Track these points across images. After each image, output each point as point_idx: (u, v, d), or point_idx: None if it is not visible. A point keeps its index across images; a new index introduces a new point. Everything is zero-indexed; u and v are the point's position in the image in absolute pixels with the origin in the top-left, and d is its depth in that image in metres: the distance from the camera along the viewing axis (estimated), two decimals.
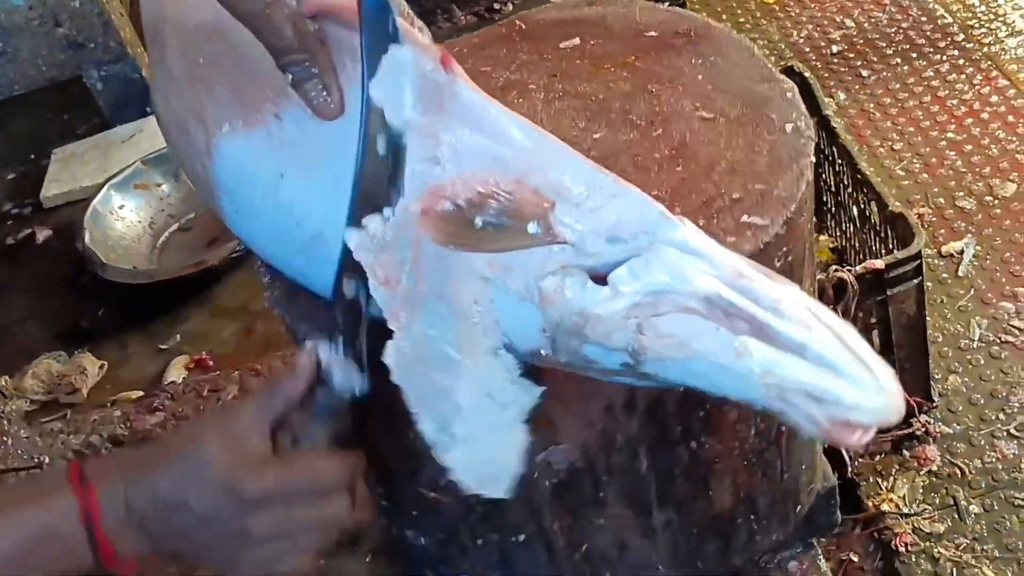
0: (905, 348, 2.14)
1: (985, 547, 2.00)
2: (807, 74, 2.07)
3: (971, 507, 2.07)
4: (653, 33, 1.31)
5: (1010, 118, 2.74)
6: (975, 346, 2.33)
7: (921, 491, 2.12)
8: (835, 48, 3.07)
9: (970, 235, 2.52)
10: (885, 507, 2.12)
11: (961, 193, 2.61)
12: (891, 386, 0.83)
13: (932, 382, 2.22)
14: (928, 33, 3.02)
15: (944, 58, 2.94)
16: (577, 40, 1.33)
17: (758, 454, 1.19)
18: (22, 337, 2.75)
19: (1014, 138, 2.69)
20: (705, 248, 0.88)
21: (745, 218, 1.05)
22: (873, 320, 2.01)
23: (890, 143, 2.77)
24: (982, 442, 2.16)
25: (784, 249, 1.05)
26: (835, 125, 2.19)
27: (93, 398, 2.49)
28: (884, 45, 3.02)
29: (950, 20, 3.04)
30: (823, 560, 1.60)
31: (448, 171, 0.93)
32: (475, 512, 1.17)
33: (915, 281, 2.03)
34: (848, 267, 1.85)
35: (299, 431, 1.00)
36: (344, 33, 1.00)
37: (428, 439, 0.98)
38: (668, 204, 0.91)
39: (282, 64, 0.98)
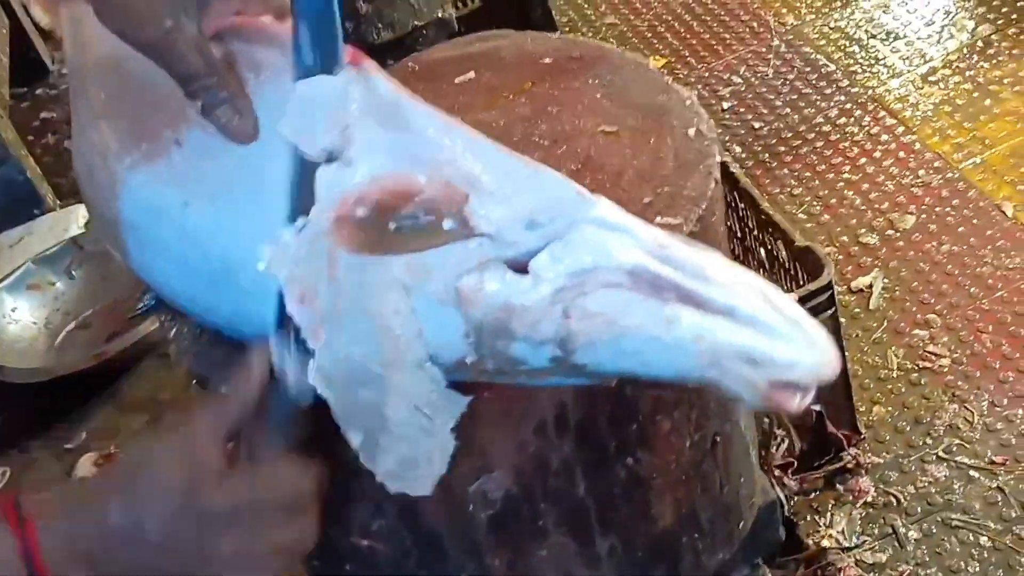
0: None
1: (928, 571, 1.99)
2: None
3: (910, 533, 2.06)
4: (547, 60, 1.31)
5: (901, 154, 2.81)
6: (895, 375, 2.35)
7: (859, 523, 2.12)
8: (725, 104, 3.13)
9: (877, 269, 2.56)
10: (825, 543, 2.11)
11: (863, 230, 2.65)
12: (823, 342, 0.81)
13: (857, 414, 2.23)
14: (814, 82, 3.10)
15: (832, 104, 3.01)
16: (472, 74, 1.32)
17: (695, 467, 1.16)
18: None
19: (907, 173, 2.75)
20: (625, 222, 0.86)
21: (658, 219, 1.04)
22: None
23: (788, 189, 2.82)
24: (913, 468, 2.17)
25: None
26: (734, 170, 2.21)
27: None
28: (772, 97, 3.09)
29: (833, 67, 3.12)
30: None
31: (360, 172, 0.90)
32: (411, 557, 1.12)
33: (829, 312, 2.04)
34: None
35: (256, 442, 0.93)
36: (248, 48, 0.97)
37: (354, 447, 0.93)
38: None
39: (190, 92, 0.93)
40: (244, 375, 0.93)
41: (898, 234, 2.62)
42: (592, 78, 1.25)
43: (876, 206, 2.70)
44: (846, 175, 2.80)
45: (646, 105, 1.20)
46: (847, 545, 2.09)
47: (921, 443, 2.21)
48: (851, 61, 3.13)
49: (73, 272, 2.71)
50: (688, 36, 3.43)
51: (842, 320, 2.10)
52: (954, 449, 2.17)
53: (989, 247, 2.52)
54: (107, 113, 1.06)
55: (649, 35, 3.52)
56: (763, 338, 0.79)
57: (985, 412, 2.22)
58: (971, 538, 2.02)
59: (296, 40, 0.90)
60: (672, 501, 1.16)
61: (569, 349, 0.85)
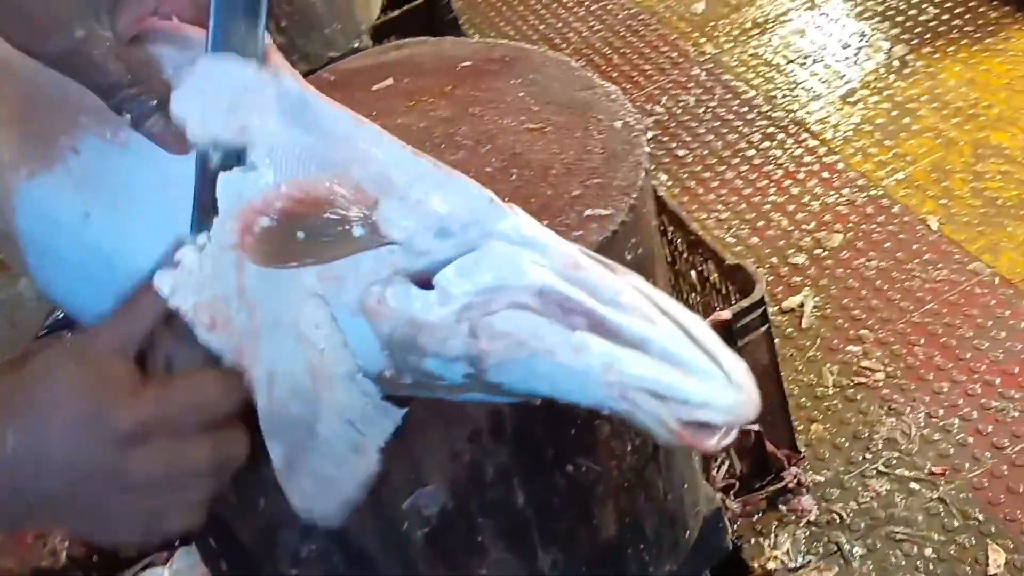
0: (764, 401, 2.12)
1: None
2: None
3: (855, 550, 2.05)
4: (467, 63, 1.28)
5: (825, 175, 2.82)
6: (830, 392, 2.34)
7: (804, 543, 2.10)
8: (649, 134, 3.13)
9: (807, 288, 2.56)
10: (771, 565, 2.09)
11: (792, 250, 2.65)
12: (744, 380, 0.75)
13: (795, 433, 2.21)
14: (735, 108, 3.11)
15: (754, 128, 3.02)
16: (390, 80, 1.28)
17: (637, 473, 1.12)
18: None
19: (832, 192, 2.76)
20: (539, 237, 0.81)
21: (588, 211, 1.00)
22: None
23: (716, 214, 2.82)
24: (854, 484, 2.15)
25: (633, 240, 1.00)
26: (661, 194, 2.20)
27: None
28: (696, 125, 3.09)
29: (753, 93, 3.14)
30: None
31: (264, 178, 0.84)
32: None
33: (763, 329, 2.03)
34: None
35: (173, 354, 0.85)
36: (169, 50, 0.90)
37: (274, 461, 0.87)
38: None
39: (114, 104, 0.84)
40: (152, 288, 0.85)
41: (826, 253, 2.62)
42: (514, 78, 1.22)
43: (803, 226, 2.70)
44: (772, 198, 2.81)
45: (570, 101, 1.17)
46: (793, 566, 2.07)
47: (860, 458, 2.19)
48: (771, 86, 3.15)
49: None
50: (608, 68, 3.43)
51: (775, 340, 2.09)
52: (893, 462, 2.16)
53: (916, 261, 2.53)
54: (1, 122, 0.99)
55: None
56: (676, 374, 0.73)
57: (922, 424, 2.21)
58: (915, 551, 2.00)
59: (215, 10, 0.84)
60: (615, 509, 1.11)
61: (481, 369, 0.80)
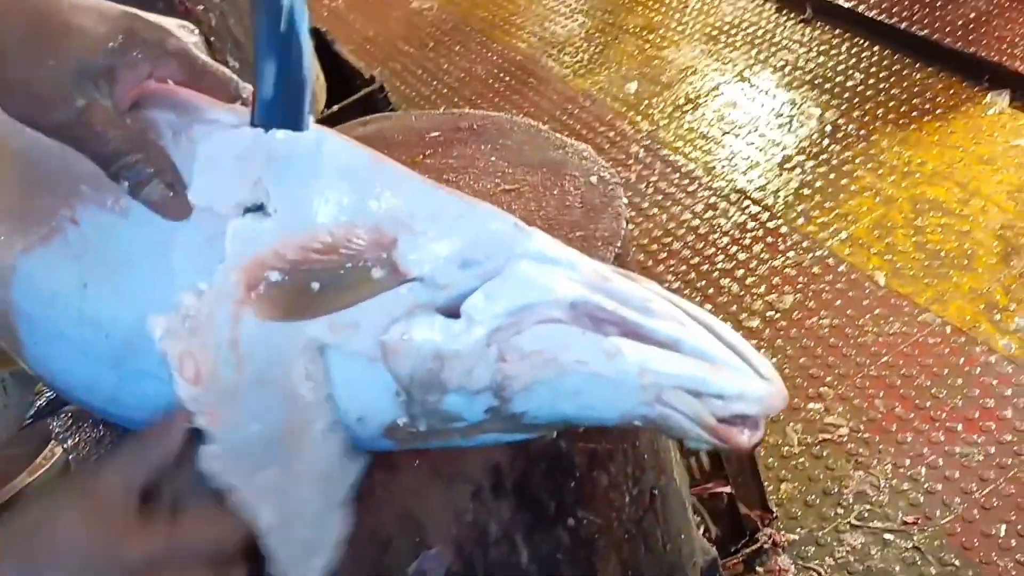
0: (734, 461, 2.13)
1: None
2: None
3: None
4: (436, 133, 1.29)
5: (770, 239, 2.87)
6: (796, 451, 2.35)
7: None
8: None
9: (763, 350, 2.57)
10: None
11: (745, 315, 2.68)
12: (772, 373, 0.78)
13: (766, 494, 2.22)
14: (676, 181, 3.16)
15: (697, 199, 3.07)
16: None
17: (637, 524, 1.11)
18: None
19: (779, 255, 2.81)
20: (565, 255, 0.82)
21: None
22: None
23: (666, 284, 2.84)
24: (829, 540, 2.16)
25: None
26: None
27: None
28: (639, 200, 3.13)
29: (693, 166, 3.20)
30: None
31: (273, 227, 0.84)
32: None
33: None
34: None
35: (178, 492, 0.85)
36: (166, 114, 0.90)
37: (261, 532, 0.86)
38: None
39: (113, 172, 0.85)
40: (164, 425, 0.86)
41: (779, 314, 2.65)
42: (484, 144, 1.24)
43: (753, 291, 2.74)
44: (720, 265, 2.85)
45: (543, 161, 1.18)
46: None
47: (832, 514, 2.20)
48: (709, 157, 3.21)
49: None
50: None
51: None
52: (866, 515, 2.17)
53: (868, 316, 2.57)
54: None
55: None
56: (710, 369, 0.76)
57: (890, 475, 2.23)
58: None
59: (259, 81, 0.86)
60: (618, 562, 1.10)
61: (506, 396, 0.80)
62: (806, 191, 2.98)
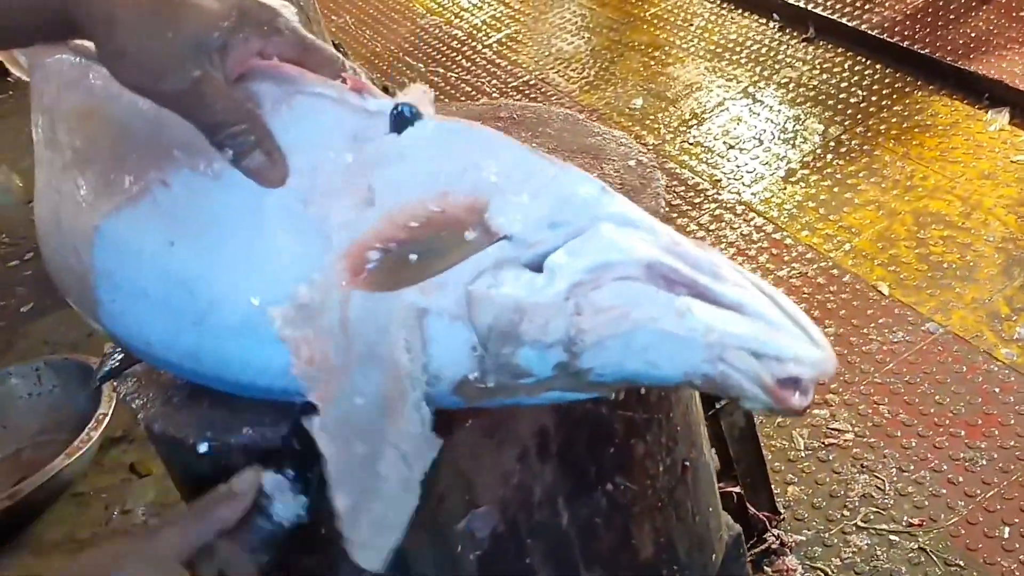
0: (743, 462, 2.17)
1: None
2: None
3: None
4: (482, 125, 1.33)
5: (774, 250, 2.91)
6: (803, 455, 2.39)
7: None
8: None
9: None
10: None
11: None
12: (824, 341, 0.82)
13: (774, 496, 2.25)
14: (682, 193, 3.21)
15: (702, 211, 3.12)
16: None
17: (669, 493, 1.15)
18: None
19: (783, 266, 2.86)
20: (643, 218, 0.87)
21: None
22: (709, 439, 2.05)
23: None
24: (835, 541, 2.20)
25: None
26: None
27: None
28: None
29: (699, 179, 3.25)
30: None
31: (374, 212, 0.88)
32: None
33: None
34: None
35: (227, 562, 0.89)
36: (269, 86, 0.94)
37: (339, 510, 0.90)
38: None
39: (217, 140, 0.89)
40: (230, 494, 0.91)
41: None
42: (524, 131, 1.27)
43: None
44: None
45: (582, 146, 1.22)
46: None
47: (839, 516, 2.24)
48: (714, 171, 3.26)
49: None
50: None
51: None
52: (871, 517, 2.21)
53: (872, 325, 2.62)
54: (81, 161, 1.02)
55: None
56: (770, 332, 0.80)
57: (895, 478, 2.27)
58: None
59: None
60: (651, 530, 1.13)
61: (576, 351, 0.83)
62: (810, 204, 3.03)
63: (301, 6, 2.99)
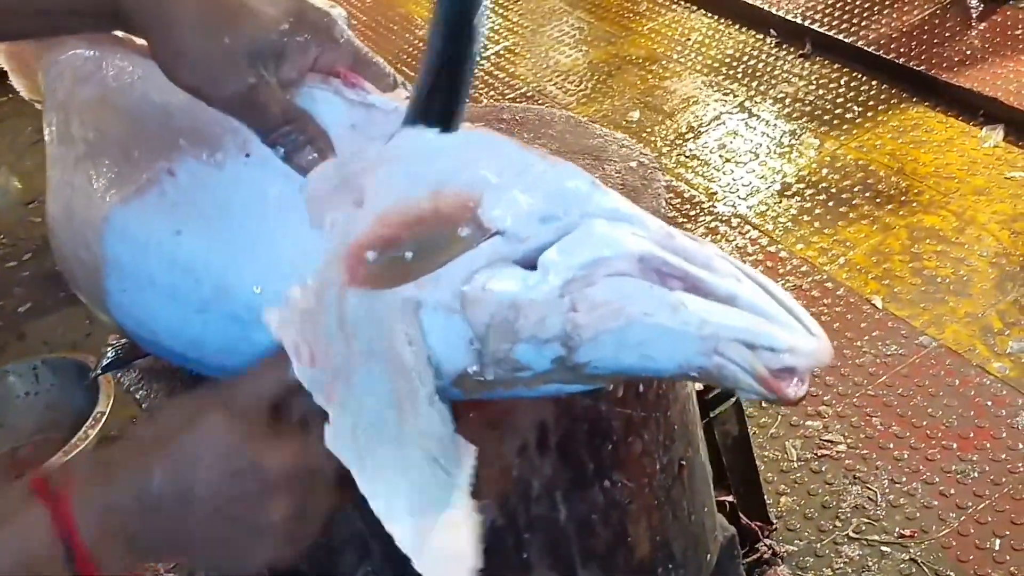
0: (736, 471, 2.18)
1: None
2: None
3: None
4: (479, 124, 1.34)
5: (769, 263, 2.93)
6: (796, 466, 2.40)
7: None
8: None
9: None
10: None
11: None
12: (819, 331, 0.83)
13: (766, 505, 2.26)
14: (678, 205, 3.23)
15: (698, 224, 3.14)
16: None
17: (666, 491, 1.16)
18: None
19: (778, 279, 2.86)
20: (636, 213, 0.88)
21: None
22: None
23: None
24: (827, 552, 2.21)
25: None
26: None
27: None
28: None
29: (694, 192, 3.26)
30: None
31: (367, 214, 0.89)
32: None
33: (733, 400, 2.08)
34: None
35: (306, 412, 0.87)
36: (315, 92, 0.95)
37: (383, 520, 0.87)
38: None
39: (270, 140, 0.91)
40: None
41: None
42: (526, 133, 1.29)
43: None
44: None
45: (584, 148, 1.24)
46: None
47: (831, 527, 2.25)
48: (711, 184, 3.28)
49: None
50: None
51: None
52: (863, 528, 2.22)
53: (866, 338, 2.63)
54: (92, 153, 1.04)
55: None
56: (764, 324, 0.81)
57: (887, 490, 2.28)
58: None
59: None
60: (647, 527, 1.15)
61: (572, 346, 0.84)
62: (805, 218, 3.05)
63: None
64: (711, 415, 2.06)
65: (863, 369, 2.56)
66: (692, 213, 3.18)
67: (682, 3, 4.29)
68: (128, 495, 0.81)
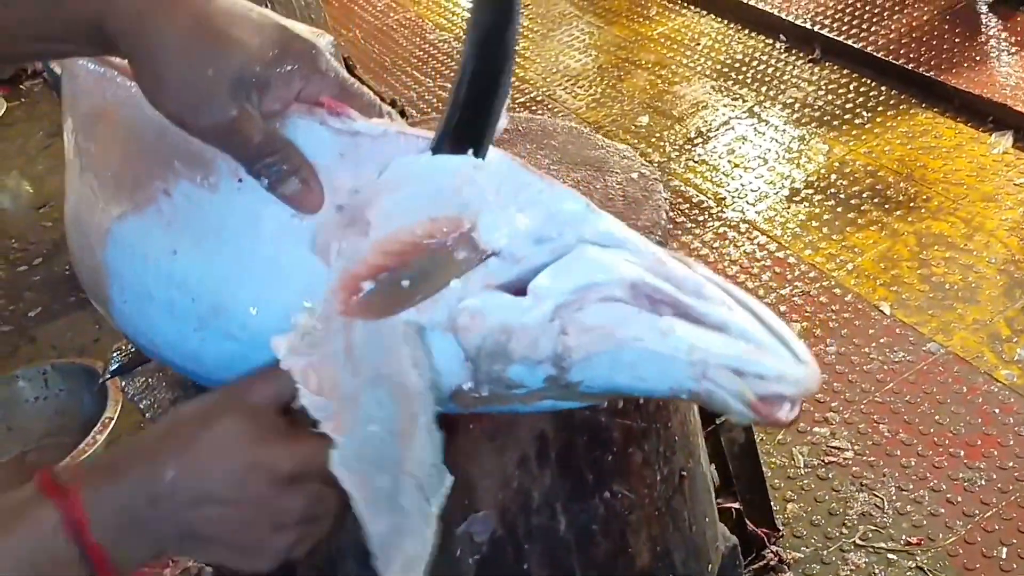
0: (743, 478, 2.18)
1: None
2: None
3: None
4: None
5: (778, 269, 2.93)
6: (803, 472, 2.40)
7: None
8: None
9: None
10: None
11: None
12: (809, 358, 0.83)
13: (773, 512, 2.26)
14: (686, 211, 3.23)
15: (707, 229, 3.14)
16: None
17: (666, 502, 1.16)
18: None
19: (786, 284, 2.87)
20: (629, 238, 0.88)
21: None
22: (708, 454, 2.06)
23: None
24: (834, 559, 2.21)
25: None
26: None
27: None
28: None
29: (703, 197, 3.27)
30: None
31: (369, 242, 0.89)
32: None
33: None
34: None
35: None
36: (300, 121, 0.94)
37: (373, 551, 0.90)
38: None
39: (255, 171, 0.90)
40: None
41: None
42: (529, 143, 1.30)
43: None
44: None
45: (586, 159, 1.25)
46: None
47: (837, 534, 2.25)
48: (719, 189, 3.28)
49: None
50: None
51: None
52: (870, 535, 2.22)
53: (873, 344, 2.63)
54: (95, 165, 1.05)
55: None
56: (753, 351, 0.81)
57: (893, 497, 2.28)
58: None
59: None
60: (648, 538, 1.15)
61: (565, 367, 0.85)
62: (814, 223, 3.05)
63: (312, 19, 3.03)
64: (717, 422, 2.07)
65: (871, 376, 2.56)
66: (701, 219, 3.19)
67: (691, 8, 4.30)
68: (141, 491, 0.81)
